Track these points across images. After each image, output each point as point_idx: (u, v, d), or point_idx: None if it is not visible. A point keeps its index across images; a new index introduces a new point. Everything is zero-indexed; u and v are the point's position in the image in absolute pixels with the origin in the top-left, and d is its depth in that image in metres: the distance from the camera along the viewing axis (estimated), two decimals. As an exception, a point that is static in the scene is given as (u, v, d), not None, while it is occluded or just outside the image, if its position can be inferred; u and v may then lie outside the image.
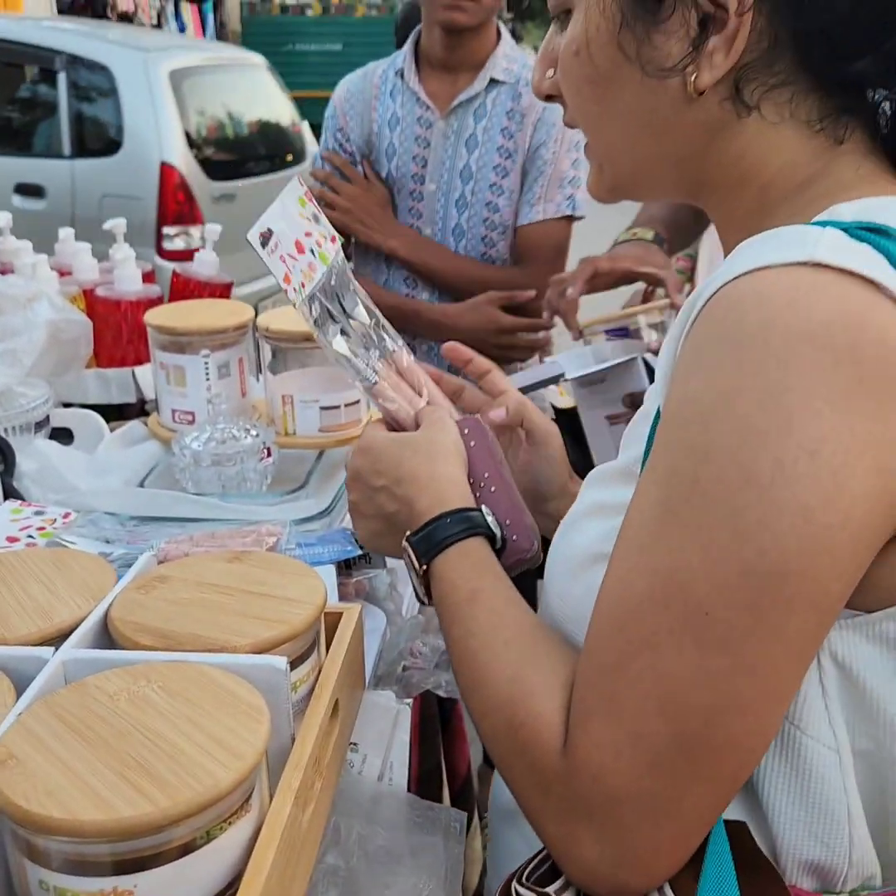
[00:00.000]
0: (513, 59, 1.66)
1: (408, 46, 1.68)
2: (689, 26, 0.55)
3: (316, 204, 0.80)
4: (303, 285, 0.75)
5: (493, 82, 1.63)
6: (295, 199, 0.77)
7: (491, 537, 0.68)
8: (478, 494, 0.72)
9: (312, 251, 0.77)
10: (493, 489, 0.73)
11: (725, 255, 0.63)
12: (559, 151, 1.63)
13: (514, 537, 0.70)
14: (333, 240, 0.80)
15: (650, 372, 1.20)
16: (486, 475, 0.74)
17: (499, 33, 1.66)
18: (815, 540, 0.46)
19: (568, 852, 0.52)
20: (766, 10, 0.54)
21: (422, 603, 0.68)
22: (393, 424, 0.80)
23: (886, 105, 0.56)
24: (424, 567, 0.66)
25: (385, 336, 0.83)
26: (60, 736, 0.49)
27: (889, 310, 0.47)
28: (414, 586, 0.69)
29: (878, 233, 0.50)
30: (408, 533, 0.68)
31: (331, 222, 1.70)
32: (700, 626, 0.48)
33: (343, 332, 0.79)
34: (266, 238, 0.72)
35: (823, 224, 0.51)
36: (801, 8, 0.54)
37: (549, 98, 0.67)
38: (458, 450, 0.74)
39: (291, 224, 0.75)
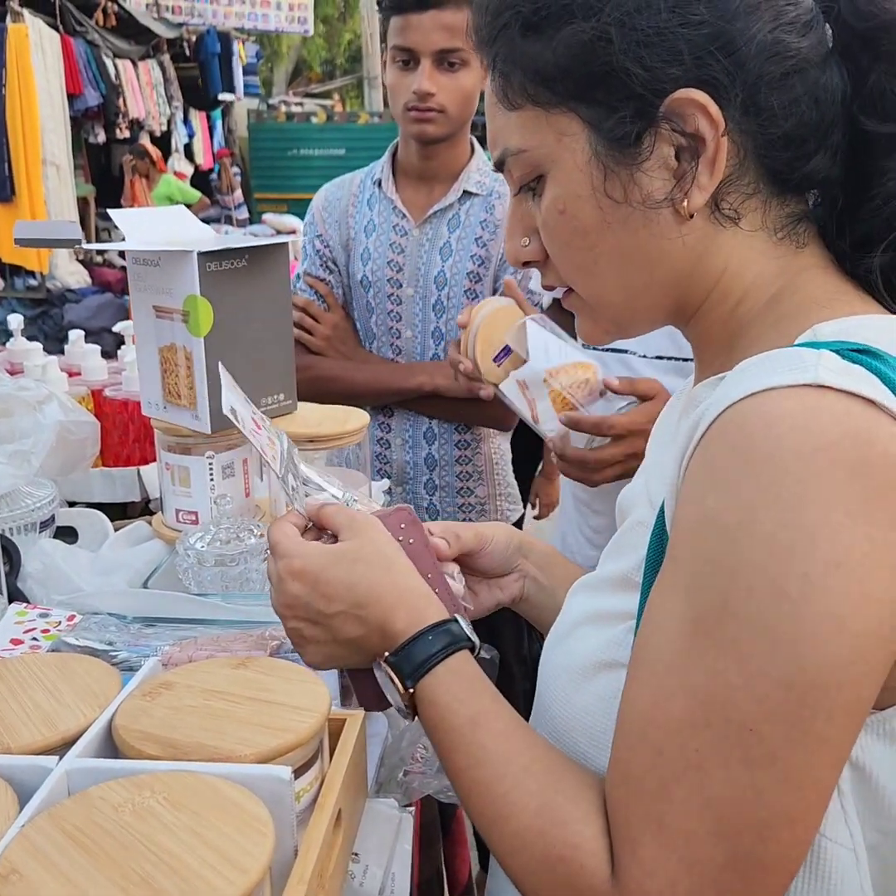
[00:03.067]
0: (485, 172, 1.74)
1: (386, 157, 1.77)
2: (667, 158, 0.59)
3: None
4: (274, 459, 0.76)
5: (467, 194, 1.71)
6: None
7: (472, 647, 0.65)
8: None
9: (264, 425, 0.79)
10: (436, 589, 0.70)
11: (700, 374, 0.66)
12: None
13: None
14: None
15: None
16: (428, 576, 0.71)
17: (472, 148, 1.75)
18: (849, 649, 0.48)
19: None
20: (736, 127, 0.58)
21: (406, 718, 0.66)
22: (314, 525, 0.74)
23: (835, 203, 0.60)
24: (411, 689, 0.64)
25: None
26: (64, 849, 0.49)
27: (889, 426, 0.49)
28: (398, 706, 0.65)
29: (865, 354, 0.53)
30: (386, 654, 0.65)
31: (310, 348, 1.74)
32: (746, 743, 0.48)
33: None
34: (234, 414, 0.74)
35: (815, 345, 0.54)
36: (766, 118, 0.58)
37: (526, 264, 0.68)
38: (402, 553, 0.70)
39: (242, 402, 0.78)
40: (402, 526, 0.74)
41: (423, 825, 1.02)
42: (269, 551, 0.72)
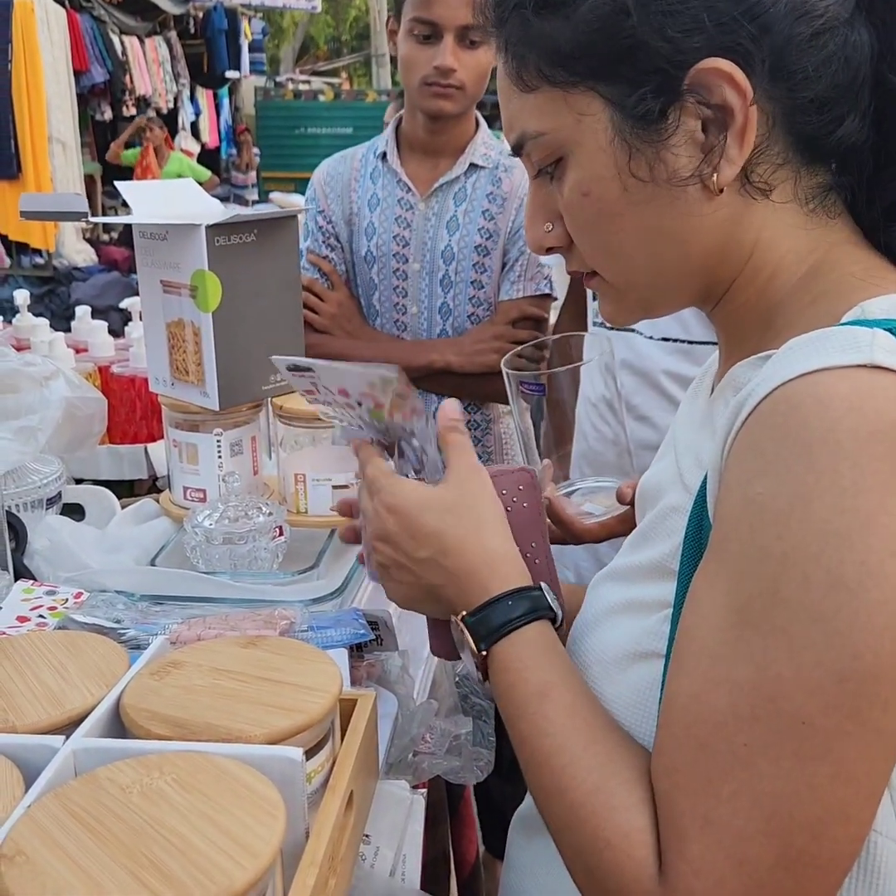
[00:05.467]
0: (491, 145, 1.72)
1: (389, 131, 1.74)
2: (694, 132, 0.57)
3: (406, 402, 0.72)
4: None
5: (473, 167, 1.69)
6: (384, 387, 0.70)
7: (553, 618, 0.64)
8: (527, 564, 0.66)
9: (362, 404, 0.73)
10: (537, 561, 0.68)
11: (730, 355, 0.64)
12: None
13: None
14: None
15: None
16: (533, 544, 0.69)
17: (477, 121, 1.73)
18: None
19: None
20: (764, 94, 0.56)
21: (479, 682, 0.64)
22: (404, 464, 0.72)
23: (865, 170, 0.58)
24: (484, 652, 0.62)
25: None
26: (71, 831, 0.48)
27: None
28: (469, 666, 0.64)
29: None
30: (464, 613, 0.64)
31: (314, 326, 1.71)
32: (798, 737, 0.47)
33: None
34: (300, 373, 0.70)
35: (866, 324, 0.52)
36: (797, 82, 0.56)
37: (549, 250, 0.66)
38: (501, 514, 0.67)
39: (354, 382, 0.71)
40: (520, 487, 0.70)
41: (430, 805, 1.02)
42: (363, 486, 0.71)
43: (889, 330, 0.50)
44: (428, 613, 0.71)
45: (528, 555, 0.68)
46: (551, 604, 0.63)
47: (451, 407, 0.73)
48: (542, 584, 0.64)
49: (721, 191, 0.57)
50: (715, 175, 0.57)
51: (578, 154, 0.59)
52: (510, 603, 0.62)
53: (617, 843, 0.52)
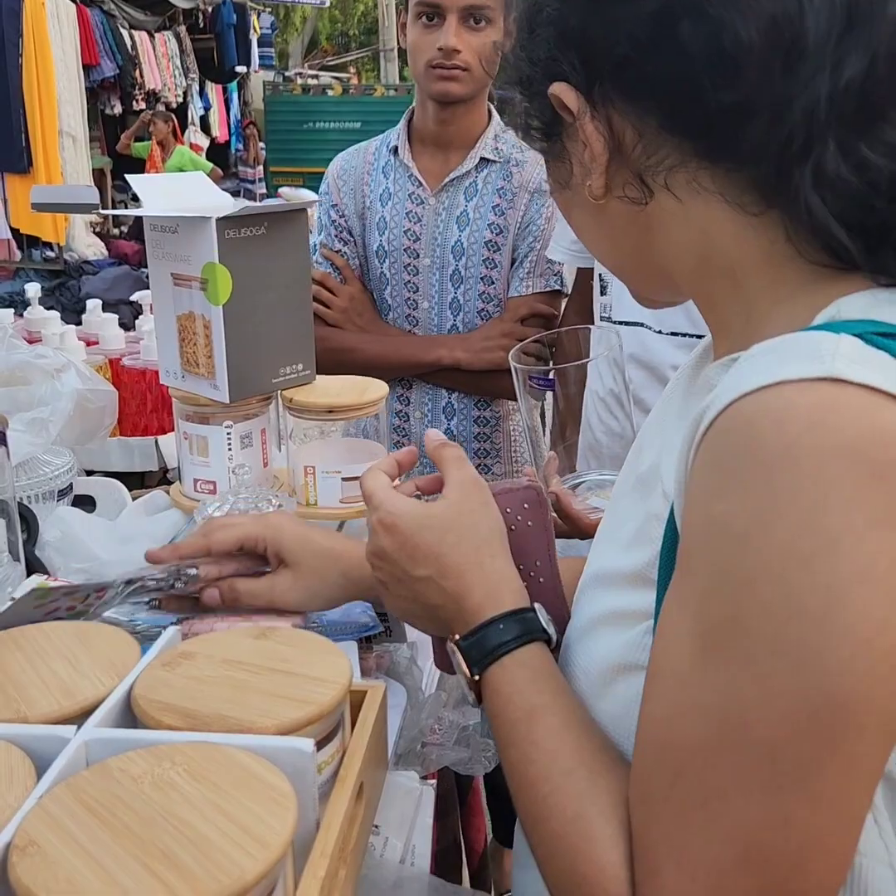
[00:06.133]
0: (503, 139, 1.71)
1: (401, 124, 1.73)
2: (573, 146, 0.61)
3: None
4: None
5: (484, 161, 1.68)
6: None
7: (548, 640, 0.63)
8: (525, 582, 0.65)
9: None
10: (542, 580, 0.67)
11: (716, 351, 0.63)
12: (547, 229, 1.67)
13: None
14: None
15: None
16: (537, 563, 0.67)
17: (490, 114, 1.72)
18: (876, 666, 0.44)
19: None
20: (619, 108, 0.57)
21: (474, 705, 0.63)
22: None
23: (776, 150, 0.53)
24: (476, 677, 0.61)
25: None
26: (83, 822, 0.48)
27: None
28: (464, 689, 0.63)
29: (892, 338, 0.48)
30: (457, 636, 0.63)
31: (326, 320, 1.70)
32: (768, 767, 0.45)
33: None
34: None
35: (835, 328, 0.49)
36: (641, 92, 0.56)
37: None
38: (501, 532, 0.67)
39: None
40: (525, 505, 0.69)
41: (440, 796, 1.01)
42: (365, 500, 0.70)
43: (860, 335, 0.48)
44: (427, 631, 0.70)
45: (532, 573, 0.67)
46: (544, 626, 0.62)
47: (432, 432, 0.74)
48: (536, 606, 0.63)
49: (600, 198, 0.60)
50: (589, 184, 0.60)
51: None
52: (501, 626, 0.62)
53: (592, 877, 0.51)
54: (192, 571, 0.83)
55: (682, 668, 0.48)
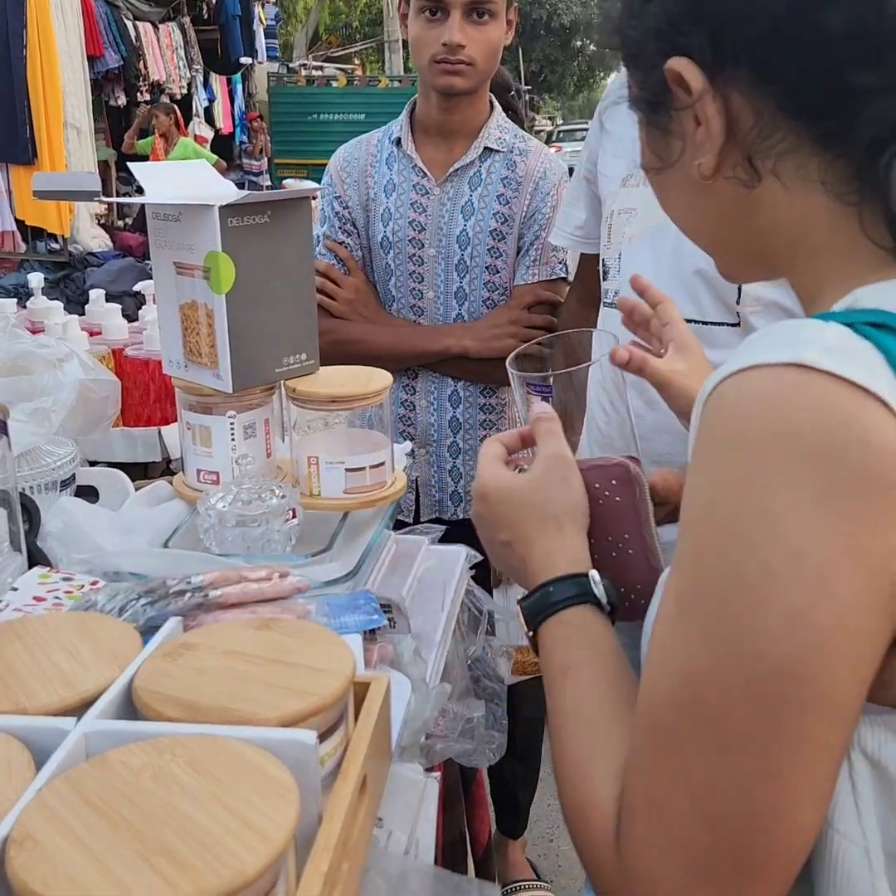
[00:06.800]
0: (505, 128, 1.71)
1: (404, 115, 1.72)
2: (684, 124, 0.60)
3: None
4: None
5: (487, 151, 1.68)
6: None
7: (599, 604, 0.67)
8: (614, 553, 0.70)
9: None
10: (631, 551, 0.71)
11: None
12: (552, 217, 1.66)
13: (642, 602, 0.68)
14: None
15: None
16: (626, 536, 0.71)
17: (491, 105, 1.71)
18: (808, 641, 0.46)
19: None
20: (740, 88, 0.56)
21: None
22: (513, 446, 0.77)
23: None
24: (531, 633, 0.67)
25: None
26: (81, 815, 0.47)
27: (875, 412, 0.46)
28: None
29: (883, 328, 0.49)
30: (519, 598, 0.69)
31: (331, 312, 1.70)
32: (719, 730, 0.48)
33: None
34: None
35: (831, 317, 0.51)
36: (771, 72, 0.55)
37: None
38: (577, 506, 0.71)
39: None
40: (613, 481, 0.73)
41: (446, 788, 1.01)
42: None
43: (851, 324, 0.49)
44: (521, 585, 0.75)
45: (620, 545, 0.71)
46: (594, 590, 0.66)
47: (538, 406, 0.78)
48: (592, 572, 0.67)
49: (710, 177, 0.59)
50: (698, 163, 0.59)
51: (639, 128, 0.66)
52: (551, 589, 0.67)
53: (587, 813, 0.56)
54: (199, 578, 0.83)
55: (662, 630, 0.53)
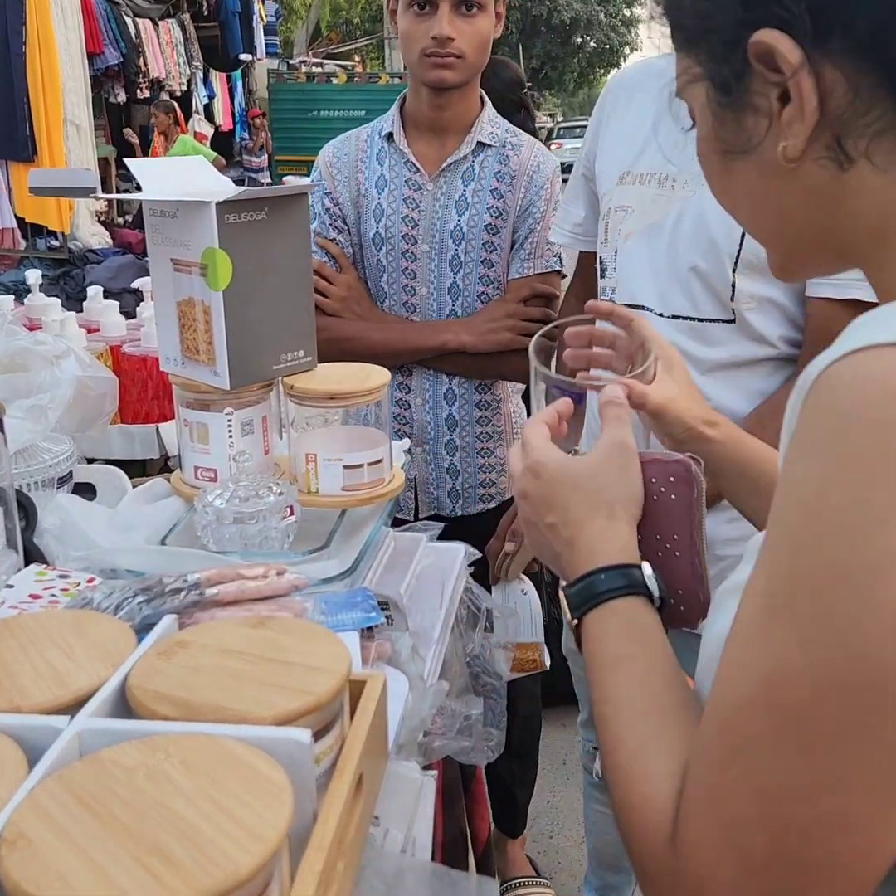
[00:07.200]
0: (496, 123, 1.70)
1: (394, 110, 1.71)
2: (765, 102, 0.56)
3: None
4: None
5: (480, 145, 1.67)
6: None
7: (651, 596, 0.65)
8: (660, 553, 0.68)
9: None
10: (677, 553, 0.69)
11: None
12: (547, 211, 1.66)
13: (682, 608, 0.66)
14: None
15: None
16: (675, 536, 0.70)
17: (482, 100, 1.70)
18: None
19: None
20: (836, 61, 0.52)
21: (577, 651, 0.68)
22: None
23: None
24: (576, 621, 0.66)
25: None
26: (74, 814, 0.47)
27: None
28: (571, 633, 0.68)
29: None
30: (563, 583, 0.68)
31: (324, 310, 1.69)
32: (799, 734, 0.46)
33: None
34: None
35: None
36: (869, 46, 0.51)
37: None
38: (633, 498, 0.70)
39: None
40: (671, 479, 0.71)
41: (445, 786, 1.01)
42: (520, 447, 0.76)
43: None
44: (556, 572, 0.74)
45: (668, 545, 0.69)
46: (647, 583, 0.65)
47: (610, 388, 0.77)
48: (644, 565, 0.66)
49: (796, 160, 0.55)
50: (784, 145, 0.55)
51: (696, 114, 0.62)
52: (603, 577, 0.65)
53: (640, 807, 0.54)
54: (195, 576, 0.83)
55: (747, 627, 0.50)
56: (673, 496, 0.70)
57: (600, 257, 1.39)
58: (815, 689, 0.45)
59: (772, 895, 0.47)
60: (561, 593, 0.67)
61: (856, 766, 0.45)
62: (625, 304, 1.36)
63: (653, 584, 0.65)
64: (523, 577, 1.64)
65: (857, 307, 1.20)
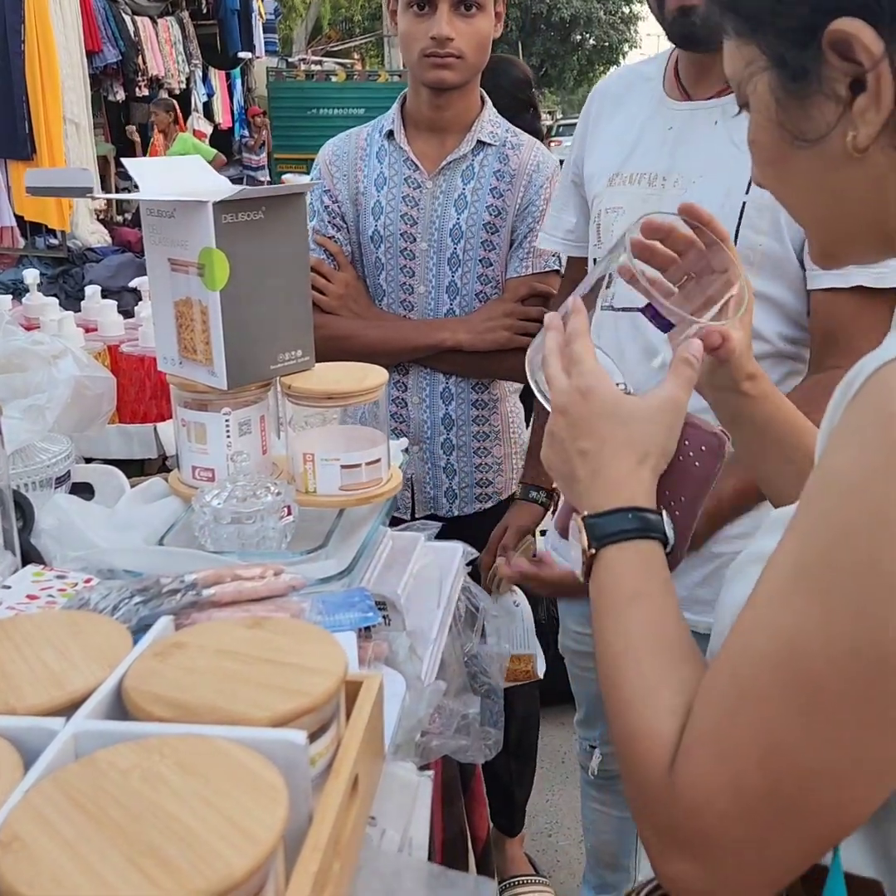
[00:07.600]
0: (496, 123, 1.70)
1: (395, 109, 1.71)
2: (836, 91, 0.56)
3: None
4: None
5: (480, 144, 1.67)
6: None
7: (664, 543, 0.68)
8: (661, 506, 0.70)
9: None
10: (677, 513, 0.71)
11: None
12: (546, 210, 1.66)
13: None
14: None
15: None
16: (682, 498, 0.72)
17: (483, 99, 1.71)
18: None
19: (662, 867, 0.56)
20: None
21: (582, 577, 0.69)
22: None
23: None
24: (593, 552, 0.67)
25: None
26: (69, 816, 0.47)
27: None
28: (576, 561, 0.69)
29: None
30: (586, 513, 0.69)
31: (321, 307, 1.69)
32: (809, 695, 0.49)
33: None
34: None
35: None
36: None
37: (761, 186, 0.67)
38: (666, 453, 0.71)
39: None
40: (703, 448, 0.73)
41: (444, 784, 1.01)
42: (564, 358, 0.75)
43: None
44: (561, 490, 0.76)
45: (671, 503, 0.71)
46: (666, 530, 0.68)
47: (697, 346, 0.75)
48: (664, 512, 0.68)
49: (864, 151, 0.56)
50: (854, 135, 0.55)
51: (752, 102, 0.62)
52: (629, 516, 0.67)
53: (643, 737, 0.57)
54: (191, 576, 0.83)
55: (773, 588, 0.53)
56: (697, 464, 0.72)
57: (595, 259, 1.39)
58: (829, 658, 0.48)
59: (758, 830, 0.51)
60: (578, 520, 0.68)
61: (854, 732, 0.48)
62: (620, 308, 1.36)
63: (671, 533, 0.68)
64: (515, 588, 1.64)
65: (863, 294, 1.17)
